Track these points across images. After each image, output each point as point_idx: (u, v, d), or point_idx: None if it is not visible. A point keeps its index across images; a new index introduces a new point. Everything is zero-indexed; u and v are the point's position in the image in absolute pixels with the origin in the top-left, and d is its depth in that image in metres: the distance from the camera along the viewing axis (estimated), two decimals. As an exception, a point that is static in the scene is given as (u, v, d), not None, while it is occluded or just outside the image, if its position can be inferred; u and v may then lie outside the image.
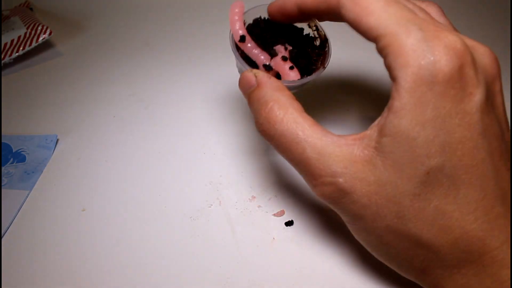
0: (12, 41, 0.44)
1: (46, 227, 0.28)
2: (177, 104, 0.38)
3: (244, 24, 0.26)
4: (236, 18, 0.25)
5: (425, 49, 0.17)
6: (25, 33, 0.44)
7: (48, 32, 0.44)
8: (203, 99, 0.38)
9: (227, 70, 0.40)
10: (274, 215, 0.28)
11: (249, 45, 0.25)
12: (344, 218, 0.21)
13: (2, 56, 0.43)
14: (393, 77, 0.18)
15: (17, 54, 0.43)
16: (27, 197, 0.30)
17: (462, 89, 0.17)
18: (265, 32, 0.26)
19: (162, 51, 0.45)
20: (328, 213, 0.27)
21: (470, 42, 0.19)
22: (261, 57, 0.25)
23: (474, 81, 0.17)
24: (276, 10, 0.24)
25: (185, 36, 0.47)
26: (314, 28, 0.27)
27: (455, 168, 0.18)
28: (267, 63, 0.25)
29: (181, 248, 0.26)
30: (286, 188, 0.30)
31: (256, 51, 0.25)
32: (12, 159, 0.33)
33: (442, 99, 0.17)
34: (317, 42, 0.28)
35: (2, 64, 0.43)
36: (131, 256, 0.26)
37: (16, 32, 0.44)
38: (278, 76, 0.25)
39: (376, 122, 0.19)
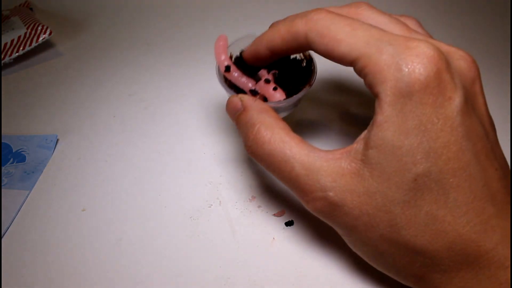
0: (12, 41, 0.44)
1: (46, 227, 0.28)
2: (177, 104, 0.38)
3: (231, 56, 0.27)
4: (221, 50, 0.26)
5: (398, 62, 0.17)
6: (25, 33, 0.44)
7: (48, 32, 0.44)
8: (203, 99, 0.38)
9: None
10: (274, 215, 0.28)
11: (235, 74, 0.26)
12: (339, 231, 0.22)
13: (2, 56, 0.43)
14: (374, 94, 0.19)
15: (17, 54, 0.43)
16: (27, 197, 0.30)
17: (441, 94, 0.17)
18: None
19: (162, 51, 0.45)
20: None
21: (445, 48, 0.19)
22: (248, 84, 0.26)
23: (451, 85, 0.18)
24: (250, 56, 0.25)
25: (186, 36, 0.47)
26: None
27: (442, 173, 0.18)
28: (253, 88, 0.26)
29: (181, 248, 0.26)
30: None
31: (242, 79, 0.26)
32: (12, 159, 0.33)
33: (422, 107, 0.17)
34: (304, 63, 0.28)
35: (2, 64, 0.43)
36: (131, 256, 0.26)
37: (16, 32, 0.44)
38: (265, 100, 0.25)
39: (361, 136, 0.19)
